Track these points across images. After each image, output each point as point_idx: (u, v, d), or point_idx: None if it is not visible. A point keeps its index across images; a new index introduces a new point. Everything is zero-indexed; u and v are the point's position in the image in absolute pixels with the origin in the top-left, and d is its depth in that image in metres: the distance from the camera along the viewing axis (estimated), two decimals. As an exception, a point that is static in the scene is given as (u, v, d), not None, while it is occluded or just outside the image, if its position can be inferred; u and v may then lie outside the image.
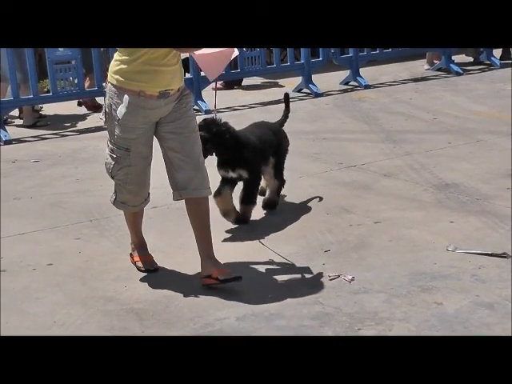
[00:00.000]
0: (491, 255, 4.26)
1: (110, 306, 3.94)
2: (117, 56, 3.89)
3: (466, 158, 6.31)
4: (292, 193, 5.51)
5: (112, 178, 4.14)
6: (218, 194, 4.79)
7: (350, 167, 6.25)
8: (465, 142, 6.83)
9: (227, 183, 4.88)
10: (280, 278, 4.19)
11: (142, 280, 4.24)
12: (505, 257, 4.23)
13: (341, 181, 5.85)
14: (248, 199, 4.94)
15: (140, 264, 4.34)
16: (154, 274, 4.31)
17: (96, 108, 9.23)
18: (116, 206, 4.30)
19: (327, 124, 7.87)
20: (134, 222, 4.39)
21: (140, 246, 4.40)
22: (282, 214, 5.17)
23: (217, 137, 4.66)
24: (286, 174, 5.37)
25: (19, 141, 7.81)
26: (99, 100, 9.03)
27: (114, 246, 4.77)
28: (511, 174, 5.69)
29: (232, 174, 4.84)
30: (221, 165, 4.85)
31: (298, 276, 4.20)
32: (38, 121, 8.47)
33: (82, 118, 8.88)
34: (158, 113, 3.99)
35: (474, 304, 3.73)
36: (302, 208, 5.28)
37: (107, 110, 3.99)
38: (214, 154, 4.76)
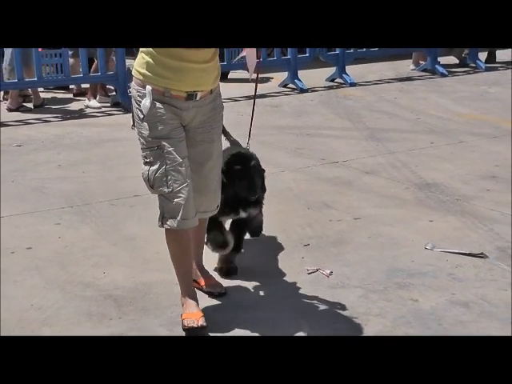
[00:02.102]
0: (469, 255, 4.31)
1: (88, 292, 3.94)
2: (142, 48, 3.40)
3: (447, 158, 6.37)
4: (273, 187, 5.53)
5: (152, 187, 3.43)
6: (225, 245, 4.01)
7: (332, 163, 6.28)
8: (447, 142, 6.89)
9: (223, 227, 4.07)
10: (258, 270, 4.21)
11: (122, 267, 4.24)
12: (482, 257, 4.28)
13: (323, 176, 5.88)
14: (241, 246, 4.18)
15: (185, 322, 3.51)
16: (134, 262, 4.30)
17: (81, 94, 9.22)
18: (166, 224, 3.45)
19: (311, 120, 7.90)
20: (184, 259, 3.59)
21: (189, 301, 3.59)
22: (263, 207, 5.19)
23: (256, 177, 3.89)
24: (269, 168, 5.38)
25: (2, 124, 7.76)
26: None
27: (95, 232, 4.77)
28: (491, 176, 5.75)
29: (242, 215, 4.00)
30: (233, 206, 3.94)
31: (277, 269, 4.22)
32: (21, 106, 8.44)
33: (67, 103, 8.85)
34: (186, 116, 3.44)
35: (450, 302, 3.77)
36: (283, 202, 5.30)
37: (133, 111, 3.47)
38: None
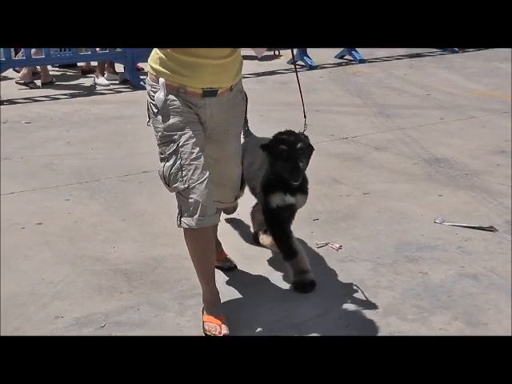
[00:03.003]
0: (478, 228, 4.30)
1: (98, 266, 3.96)
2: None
3: (457, 133, 6.34)
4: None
5: (168, 185, 3.23)
6: (295, 254, 3.66)
7: (341, 139, 6.26)
8: (457, 118, 6.85)
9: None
10: (268, 244, 4.21)
11: (131, 242, 4.25)
12: (491, 230, 4.27)
13: (332, 152, 5.86)
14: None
15: (205, 325, 3.32)
16: (143, 237, 4.31)
17: (90, 72, 9.22)
18: (184, 224, 3.21)
19: (320, 96, 7.86)
20: (205, 258, 3.35)
21: (210, 301, 3.39)
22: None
23: (301, 161, 3.52)
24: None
25: (11, 102, 7.77)
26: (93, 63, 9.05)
27: (104, 208, 4.78)
28: (501, 151, 5.73)
29: (289, 200, 3.66)
30: (286, 187, 3.60)
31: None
32: (31, 82, 8.45)
33: (75, 81, 8.85)
34: (203, 113, 3.24)
35: (459, 274, 3.77)
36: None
37: (148, 106, 3.28)
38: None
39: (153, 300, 3.59)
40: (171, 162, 3.16)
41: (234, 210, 4.34)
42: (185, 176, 3.15)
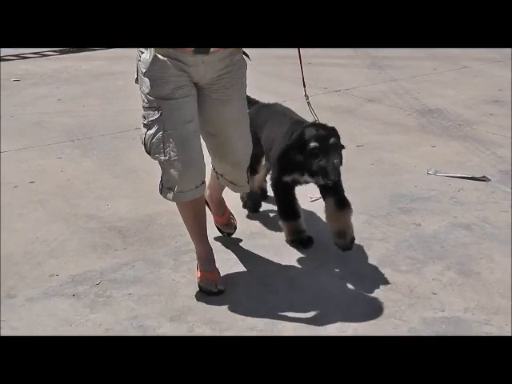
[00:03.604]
0: (471, 178, 4.31)
1: (93, 224, 3.96)
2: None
3: (450, 84, 6.30)
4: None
5: (149, 153, 3.12)
6: (296, 217, 3.60)
7: (334, 92, 6.22)
8: (450, 68, 6.81)
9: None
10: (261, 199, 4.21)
11: (125, 199, 4.25)
12: (484, 180, 4.28)
13: (325, 105, 5.83)
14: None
15: (200, 282, 3.32)
16: (136, 194, 4.31)
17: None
18: (163, 195, 3.21)
19: (313, 49, 7.78)
20: (194, 221, 3.32)
21: (204, 258, 3.37)
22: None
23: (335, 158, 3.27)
24: (270, 98, 5.33)
25: (0, 59, 7.68)
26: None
27: (96, 165, 4.77)
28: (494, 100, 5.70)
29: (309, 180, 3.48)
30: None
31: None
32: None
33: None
34: (196, 72, 3.05)
35: (452, 225, 3.79)
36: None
37: (137, 64, 3.11)
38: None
39: (147, 257, 3.60)
40: (153, 130, 3.03)
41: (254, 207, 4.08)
42: (166, 148, 3.03)
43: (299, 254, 3.57)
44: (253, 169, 3.74)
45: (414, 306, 3.12)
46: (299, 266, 3.48)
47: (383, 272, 3.39)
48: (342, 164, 3.30)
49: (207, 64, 3.04)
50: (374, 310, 3.11)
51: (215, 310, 3.12)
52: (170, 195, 3.15)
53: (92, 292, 3.28)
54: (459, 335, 2.89)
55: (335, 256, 3.54)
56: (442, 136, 5.05)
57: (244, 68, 3.19)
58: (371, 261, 3.48)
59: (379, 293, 3.21)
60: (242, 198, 4.09)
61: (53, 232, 3.86)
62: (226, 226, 3.83)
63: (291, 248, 3.62)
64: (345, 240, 3.47)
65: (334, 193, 3.46)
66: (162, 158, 3.06)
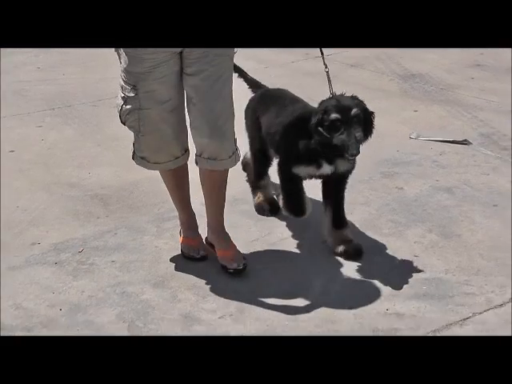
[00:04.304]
0: (452, 142, 4.33)
1: (74, 192, 3.94)
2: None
3: (432, 49, 6.27)
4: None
5: (123, 123, 3.09)
6: (302, 211, 3.28)
7: (316, 57, 6.16)
8: (432, 32, 6.78)
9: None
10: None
11: (107, 167, 4.23)
12: (465, 143, 4.30)
13: (307, 71, 5.80)
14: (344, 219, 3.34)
15: (183, 248, 3.33)
16: (118, 161, 4.28)
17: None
18: (136, 161, 3.22)
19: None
20: (176, 188, 3.29)
21: (187, 224, 3.35)
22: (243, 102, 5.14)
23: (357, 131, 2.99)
24: (252, 64, 5.29)
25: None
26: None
27: (78, 133, 4.73)
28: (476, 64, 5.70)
29: (326, 170, 3.19)
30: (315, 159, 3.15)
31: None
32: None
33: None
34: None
35: (434, 188, 3.81)
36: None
37: None
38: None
39: (130, 224, 3.59)
40: (129, 107, 3.00)
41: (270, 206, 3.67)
42: (141, 126, 3.03)
43: (282, 220, 3.58)
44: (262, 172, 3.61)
45: (396, 269, 3.14)
46: (282, 232, 3.49)
47: (366, 235, 3.41)
48: (371, 135, 3.07)
49: None
50: (357, 272, 3.14)
51: (198, 276, 3.13)
52: (145, 164, 3.17)
53: (74, 260, 3.28)
54: (440, 295, 2.92)
55: (317, 221, 3.55)
56: (424, 100, 5.05)
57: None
58: (354, 225, 3.49)
59: (362, 256, 3.23)
60: (257, 205, 3.69)
61: (34, 201, 3.84)
62: (232, 260, 3.19)
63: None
64: (347, 247, 3.25)
65: (334, 205, 3.27)
66: (136, 131, 3.07)
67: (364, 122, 3.00)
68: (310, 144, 3.05)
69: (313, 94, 5.18)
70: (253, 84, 3.74)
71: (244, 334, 2.74)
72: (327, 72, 3.17)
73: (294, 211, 3.26)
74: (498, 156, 4.17)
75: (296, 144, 3.11)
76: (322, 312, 2.87)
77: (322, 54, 3.16)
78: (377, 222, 3.53)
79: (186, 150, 3.16)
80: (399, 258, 3.21)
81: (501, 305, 2.85)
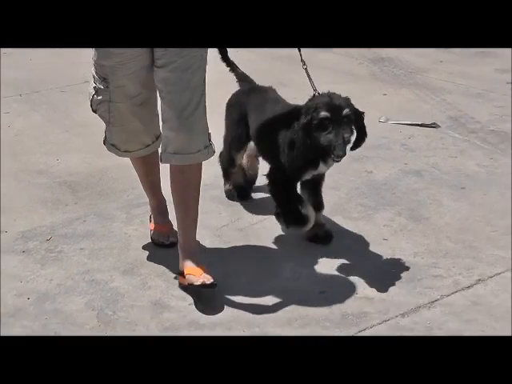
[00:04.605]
0: (421, 125, 4.35)
1: (42, 179, 3.90)
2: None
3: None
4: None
5: (94, 111, 3.04)
6: (304, 221, 3.15)
7: (286, 41, 6.18)
8: (402, 15, 6.80)
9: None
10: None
11: (75, 153, 4.18)
12: (434, 127, 4.33)
13: (277, 55, 5.78)
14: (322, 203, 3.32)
15: (154, 235, 3.29)
16: (87, 148, 4.24)
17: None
18: (107, 147, 3.19)
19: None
20: (146, 174, 3.26)
21: (157, 210, 3.31)
22: (217, 87, 5.12)
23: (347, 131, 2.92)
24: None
25: None
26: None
27: (45, 120, 4.67)
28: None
29: (322, 170, 3.17)
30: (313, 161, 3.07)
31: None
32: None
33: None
34: None
35: (403, 171, 3.83)
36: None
37: None
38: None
39: (99, 211, 3.57)
40: (100, 97, 2.95)
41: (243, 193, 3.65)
42: (111, 117, 3.00)
43: (251, 205, 3.58)
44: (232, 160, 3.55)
45: (365, 252, 3.16)
46: (251, 217, 3.49)
47: (335, 219, 3.43)
48: (365, 138, 3.02)
49: None
50: (327, 256, 3.15)
51: (168, 263, 3.12)
52: (115, 151, 3.15)
53: (43, 248, 3.25)
54: (409, 278, 2.95)
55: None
56: (393, 84, 5.07)
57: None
58: (323, 209, 3.50)
59: (332, 240, 3.24)
60: (227, 191, 3.68)
61: (1, 188, 3.79)
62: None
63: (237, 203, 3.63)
64: (318, 231, 3.24)
65: (315, 190, 3.23)
66: (106, 121, 3.05)
67: (356, 124, 2.93)
68: (306, 145, 2.94)
69: (283, 78, 5.20)
70: (241, 77, 3.61)
71: (214, 321, 2.74)
72: (306, 69, 3.10)
73: (299, 222, 3.11)
74: (466, 139, 4.21)
75: (294, 148, 2.99)
76: (292, 297, 2.88)
77: (300, 51, 3.09)
78: (346, 205, 3.55)
79: (158, 137, 3.12)
80: (368, 241, 3.23)
81: (468, 287, 2.89)
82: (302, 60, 3.09)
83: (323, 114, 2.85)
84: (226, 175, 3.68)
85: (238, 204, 3.61)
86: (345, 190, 3.69)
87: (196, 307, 2.82)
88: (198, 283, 2.80)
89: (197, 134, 2.85)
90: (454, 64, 5.38)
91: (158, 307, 2.85)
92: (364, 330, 2.66)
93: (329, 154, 2.88)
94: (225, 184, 3.71)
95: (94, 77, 2.96)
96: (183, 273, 2.91)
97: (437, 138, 4.20)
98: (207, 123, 2.91)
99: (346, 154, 2.85)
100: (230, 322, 2.74)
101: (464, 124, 4.39)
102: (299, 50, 3.07)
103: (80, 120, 4.63)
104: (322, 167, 3.08)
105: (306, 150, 2.94)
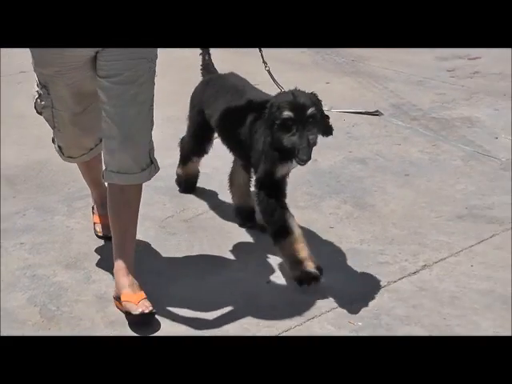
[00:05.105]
0: (364, 113, 4.37)
1: (-21, 173, 3.78)
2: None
3: (343, 20, 6.34)
4: (169, 55, 5.36)
5: (39, 114, 2.92)
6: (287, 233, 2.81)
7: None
8: (342, 4, 6.83)
9: None
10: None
11: (13, 146, 4.07)
12: (377, 114, 4.36)
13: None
14: None
15: (98, 228, 3.23)
16: (25, 140, 4.13)
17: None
18: (55, 147, 3.09)
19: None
20: (88, 169, 3.20)
21: (100, 201, 3.23)
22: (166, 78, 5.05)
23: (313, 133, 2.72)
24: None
25: None
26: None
27: (-20, 111, 4.53)
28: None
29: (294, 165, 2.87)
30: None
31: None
32: None
33: None
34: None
35: (347, 160, 3.84)
36: (181, 71, 5.16)
37: None
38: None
39: (39, 204, 3.47)
40: (43, 103, 2.83)
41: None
42: (56, 123, 2.89)
43: (196, 196, 3.54)
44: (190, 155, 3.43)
45: (312, 241, 3.14)
46: (196, 208, 3.45)
47: (281, 209, 3.40)
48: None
49: None
50: (274, 245, 3.12)
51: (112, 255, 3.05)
52: (60, 155, 3.07)
53: (-20, 244, 3.15)
54: (356, 266, 2.95)
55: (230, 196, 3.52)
56: (336, 72, 5.08)
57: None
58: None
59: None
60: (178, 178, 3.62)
61: None
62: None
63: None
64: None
65: None
66: (50, 126, 2.94)
67: (321, 123, 2.75)
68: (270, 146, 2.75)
69: (228, 68, 5.15)
70: (205, 66, 3.45)
71: (161, 315, 2.69)
72: (268, 71, 2.95)
73: (281, 230, 2.80)
74: (409, 126, 4.24)
75: (268, 143, 2.77)
76: (241, 287, 2.85)
77: (261, 51, 2.93)
78: (293, 195, 3.52)
79: (98, 143, 3.02)
80: (315, 230, 3.23)
81: (414, 272, 2.91)
82: (263, 61, 2.96)
83: (286, 113, 2.65)
84: (184, 162, 3.56)
85: (182, 195, 3.56)
86: (290, 179, 3.61)
87: (130, 327, 2.65)
88: (137, 313, 2.61)
89: (141, 153, 2.69)
90: (395, 52, 5.41)
91: (103, 301, 2.78)
92: (312, 318, 2.65)
93: (293, 156, 2.68)
94: (177, 169, 3.60)
95: (36, 81, 2.83)
96: (119, 298, 2.71)
97: (380, 126, 4.23)
98: (152, 140, 2.75)
99: (310, 158, 2.66)
100: (177, 315, 2.69)
101: (406, 111, 4.43)
102: (260, 51, 2.93)
103: (16, 111, 4.51)
104: (294, 163, 2.79)
105: (270, 149, 2.77)
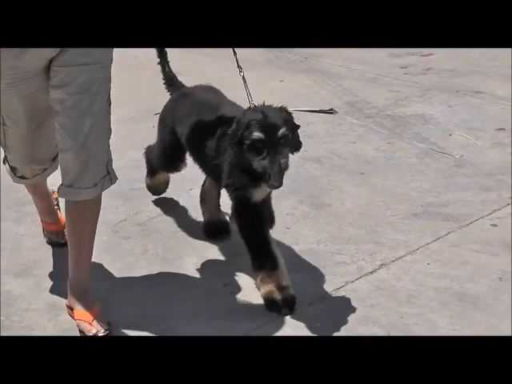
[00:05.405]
0: (319, 112, 4.36)
1: None
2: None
3: (295, 18, 6.32)
4: (122, 55, 5.27)
5: None
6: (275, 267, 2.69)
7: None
8: (295, 2, 6.82)
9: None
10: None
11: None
12: (332, 112, 4.34)
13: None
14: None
15: (46, 233, 3.17)
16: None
17: None
18: (5, 168, 2.91)
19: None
20: (34, 189, 3.07)
21: (45, 210, 3.14)
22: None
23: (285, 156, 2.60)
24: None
25: None
26: None
27: None
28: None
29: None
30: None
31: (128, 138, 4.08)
32: None
33: None
34: (37, 55, 2.46)
35: (303, 159, 3.81)
36: (132, 70, 5.08)
37: None
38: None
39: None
40: None
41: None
42: (6, 140, 2.72)
43: (148, 199, 3.47)
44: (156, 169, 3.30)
45: (268, 242, 3.11)
46: (150, 211, 3.39)
47: (237, 210, 3.36)
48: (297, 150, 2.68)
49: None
50: (230, 247, 3.09)
51: (64, 262, 2.94)
52: (12, 177, 2.89)
53: None
54: (313, 266, 2.93)
55: (187, 199, 3.47)
56: (290, 70, 5.06)
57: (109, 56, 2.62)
58: (226, 199, 3.43)
59: (236, 230, 3.16)
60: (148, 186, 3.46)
61: None
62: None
63: (141, 193, 3.50)
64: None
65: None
66: (4, 146, 2.77)
67: (292, 141, 2.59)
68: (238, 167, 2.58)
69: (178, 67, 5.09)
70: (168, 78, 3.25)
71: (118, 320, 2.62)
72: (243, 77, 2.79)
73: (267, 263, 2.66)
74: (363, 124, 4.24)
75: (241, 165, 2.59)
76: (197, 291, 2.81)
77: (235, 55, 2.77)
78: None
79: (55, 159, 2.82)
80: (271, 231, 3.18)
81: (371, 272, 2.89)
82: (238, 65, 2.78)
83: (256, 135, 2.47)
84: (152, 174, 3.39)
85: (135, 198, 3.49)
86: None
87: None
88: (90, 334, 2.54)
89: (97, 165, 2.56)
90: (348, 49, 5.41)
91: (55, 309, 2.71)
92: (271, 321, 2.62)
93: (263, 180, 2.53)
94: (147, 181, 3.43)
95: None
96: (73, 310, 2.64)
97: (335, 124, 4.21)
98: (109, 150, 2.63)
99: (282, 184, 2.51)
100: (135, 320, 2.63)
101: (361, 109, 4.43)
102: (235, 54, 2.76)
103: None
104: (263, 189, 2.66)
105: (239, 171, 2.61)
